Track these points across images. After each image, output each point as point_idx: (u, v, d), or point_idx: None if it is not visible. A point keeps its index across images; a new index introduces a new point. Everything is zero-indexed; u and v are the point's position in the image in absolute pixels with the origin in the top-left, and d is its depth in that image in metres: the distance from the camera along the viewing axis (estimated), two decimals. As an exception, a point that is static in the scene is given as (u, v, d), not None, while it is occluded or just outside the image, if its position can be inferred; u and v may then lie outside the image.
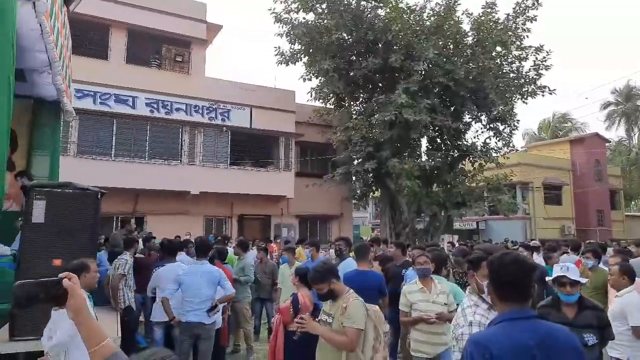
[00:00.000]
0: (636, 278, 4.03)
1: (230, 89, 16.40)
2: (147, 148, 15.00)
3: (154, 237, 9.19)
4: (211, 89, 16.00)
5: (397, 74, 15.75)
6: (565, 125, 40.66)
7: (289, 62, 16.77)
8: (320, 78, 16.60)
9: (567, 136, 35.71)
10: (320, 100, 17.39)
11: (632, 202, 40.19)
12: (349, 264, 5.32)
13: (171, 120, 15.30)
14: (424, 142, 18.09)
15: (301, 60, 16.93)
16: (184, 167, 15.30)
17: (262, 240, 12.84)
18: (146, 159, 14.89)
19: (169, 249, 5.60)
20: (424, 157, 17.45)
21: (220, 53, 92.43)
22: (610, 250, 7.82)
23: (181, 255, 5.54)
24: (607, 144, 33.02)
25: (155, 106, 15.08)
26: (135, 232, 11.13)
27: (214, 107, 15.95)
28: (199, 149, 15.65)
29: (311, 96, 17.06)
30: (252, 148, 16.89)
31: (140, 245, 7.82)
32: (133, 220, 13.66)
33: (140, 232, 12.24)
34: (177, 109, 15.42)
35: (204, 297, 4.74)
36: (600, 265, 5.40)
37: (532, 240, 16.25)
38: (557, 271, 3.25)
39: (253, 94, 16.64)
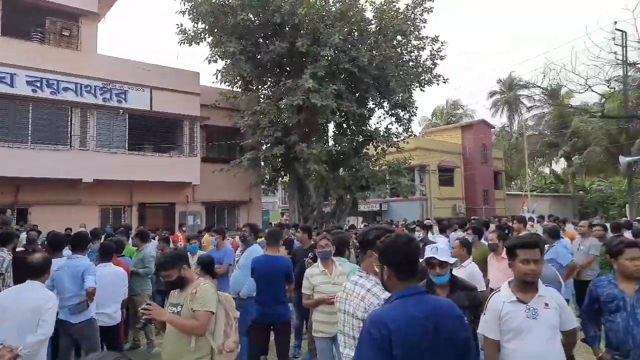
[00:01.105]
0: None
1: (127, 69, 15.22)
2: (29, 132, 13.42)
3: (38, 231, 8.32)
4: (105, 68, 14.70)
5: (304, 59, 15.81)
6: (457, 112, 44.20)
7: (193, 42, 16.00)
8: (226, 60, 16.09)
9: (458, 122, 38.89)
10: (227, 83, 16.90)
11: (512, 182, 45.08)
12: (255, 250, 5.30)
13: (58, 101, 13.81)
14: (331, 127, 18.54)
15: (205, 40, 16.24)
16: (75, 153, 13.97)
17: (165, 229, 12.28)
18: (29, 143, 13.34)
19: (54, 244, 5.10)
20: (331, 142, 17.94)
21: (116, 29, 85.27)
22: (492, 226, 8.70)
23: (66, 250, 5.07)
24: (492, 130, 36.50)
25: (38, 85, 13.49)
26: (15, 224, 10.00)
27: (108, 87, 14.71)
28: (92, 133, 14.38)
29: (217, 78, 16.51)
30: (153, 132, 15.92)
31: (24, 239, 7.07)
32: (9, 212, 12.23)
33: (24, 225, 11.02)
34: (65, 89, 13.95)
35: (69, 293, 4.41)
36: (482, 241, 6.02)
37: (427, 219, 17.54)
38: (427, 252, 3.20)
39: (153, 74, 15.61)
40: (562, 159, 37.21)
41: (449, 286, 3.23)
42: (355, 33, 16.84)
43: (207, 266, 4.14)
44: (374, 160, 18.40)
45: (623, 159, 16.66)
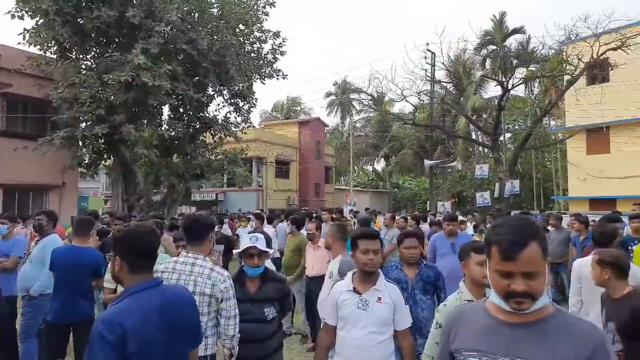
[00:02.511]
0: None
1: None
2: None
3: None
4: None
5: (136, 32, 14.44)
6: (296, 108, 46.08)
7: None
8: (37, 19, 13.70)
9: (296, 118, 40.61)
10: (38, 47, 14.40)
11: (341, 177, 49.08)
12: (52, 241, 4.60)
13: None
14: (166, 110, 17.40)
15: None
16: None
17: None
18: None
19: None
20: (165, 127, 16.83)
21: None
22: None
23: None
24: (326, 128, 39.06)
25: None
26: None
27: None
28: None
29: (24, 39, 13.95)
30: None
31: None
32: None
33: None
34: None
35: None
36: (302, 231, 6.32)
37: (261, 210, 17.87)
38: (246, 242, 3.10)
39: None
40: (382, 159, 41.94)
41: (259, 278, 3.13)
42: (196, 14, 16.10)
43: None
44: (210, 149, 17.93)
45: (427, 162, 19.58)
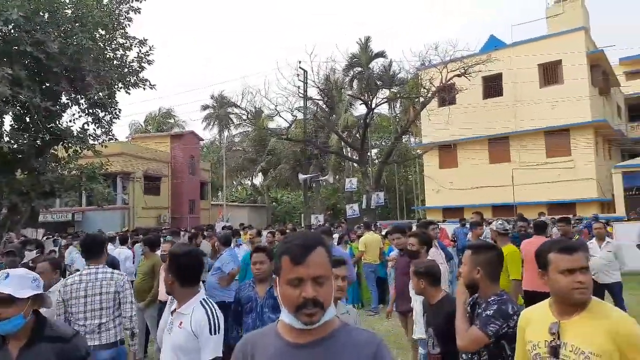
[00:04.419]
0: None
1: None
2: None
3: None
4: None
5: (-35, 29, 12.41)
6: (169, 120, 43.91)
7: None
8: None
9: (170, 131, 38.66)
10: None
11: (218, 193, 47.87)
12: None
13: None
14: (8, 119, 15.16)
15: None
16: None
17: None
18: None
19: None
20: (7, 138, 14.62)
21: None
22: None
23: None
24: (201, 142, 37.84)
25: None
26: None
27: None
28: None
29: None
30: None
31: None
32: None
33: None
34: None
35: None
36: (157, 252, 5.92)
37: (125, 230, 16.51)
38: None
39: None
40: (260, 174, 41.98)
41: (27, 334, 2.12)
42: (46, 14, 14.41)
43: None
44: (63, 164, 16.04)
45: (301, 176, 20.09)
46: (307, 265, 1.29)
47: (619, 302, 6.61)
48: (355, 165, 27.56)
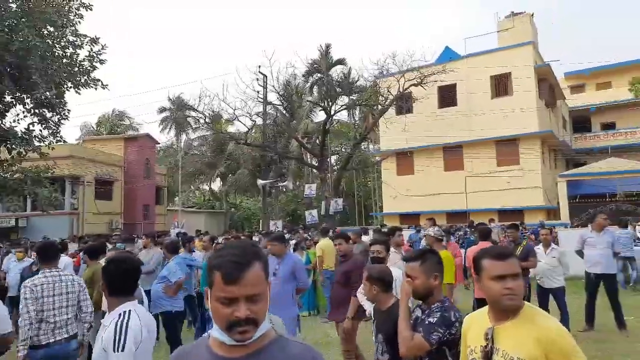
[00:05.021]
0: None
1: None
2: None
3: None
4: None
5: None
6: (124, 122, 42.43)
7: None
8: None
9: (124, 133, 37.34)
10: None
11: (175, 198, 46.62)
12: None
13: None
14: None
15: None
16: None
17: None
18: None
19: None
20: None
21: None
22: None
23: None
24: (157, 145, 36.77)
25: None
26: None
27: None
28: None
29: None
30: None
31: None
32: None
33: None
34: None
35: None
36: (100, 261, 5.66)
37: (75, 236, 15.77)
38: None
39: None
40: (219, 179, 41.24)
41: None
42: (-12, 9, 13.64)
43: None
44: (6, 166, 15.16)
45: (259, 182, 19.90)
46: (240, 285, 1.22)
47: (561, 306, 6.94)
48: (315, 171, 27.64)
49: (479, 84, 23.02)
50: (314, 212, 19.90)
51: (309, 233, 14.77)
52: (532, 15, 25.64)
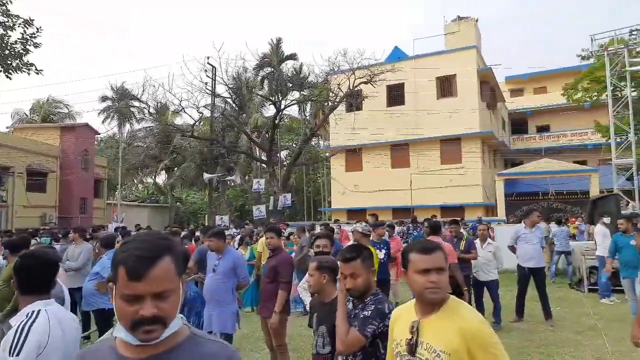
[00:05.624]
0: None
1: None
2: None
3: None
4: None
5: None
6: (61, 110, 39.90)
7: None
8: None
9: (61, 122, 35.14)
10: None
11: (116, 191, 44.59)
12: None
13: None
14: None
15: None
16: None
17: None
18: None
19: None
20: None
21: None
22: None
23: None
24: (97, 135, 34.94)
25: None
26: None
27: None
28: None
29: None
30: None
31: None
32: None
33: None
34: None
35: None
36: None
37: (7, 231, 14.67)
38: None
39: None
40: (164, 172, 39.86)
41: None
42: None
43: None
44: None
45: (206, 176, 19.42)
46: (146, 281, 1.13)
47: (495, 298, 7.32)
48: (264, 166, 27.37)
49: (425, 85, 23.72)
50: (262, 207, 19.71)
51: (258, 228, 14.61)
52: (477, 20, 26.73)
